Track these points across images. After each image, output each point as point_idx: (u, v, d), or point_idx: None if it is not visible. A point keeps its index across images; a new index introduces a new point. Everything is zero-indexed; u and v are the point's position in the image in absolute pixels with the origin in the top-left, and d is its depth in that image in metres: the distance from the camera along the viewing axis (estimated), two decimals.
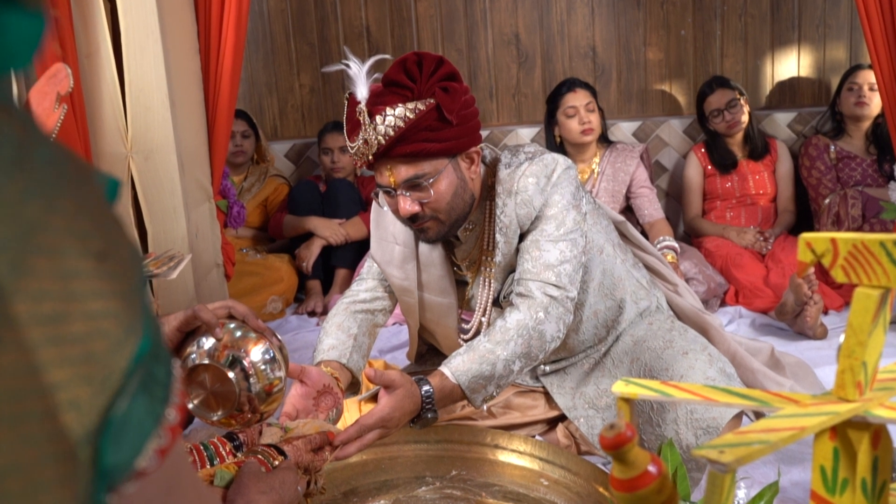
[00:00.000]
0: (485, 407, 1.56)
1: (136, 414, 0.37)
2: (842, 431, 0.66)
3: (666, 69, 3.95)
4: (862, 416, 0.65)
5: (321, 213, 3.48)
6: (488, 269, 1.73)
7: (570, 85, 3.23)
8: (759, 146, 3.45)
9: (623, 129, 3.84)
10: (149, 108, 2.44)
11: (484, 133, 3.88)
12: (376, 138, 1.49)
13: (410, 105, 1.48)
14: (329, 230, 3.38)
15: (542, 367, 1.93)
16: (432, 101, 1.48)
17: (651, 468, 0.62)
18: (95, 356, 0.35)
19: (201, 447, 1.16)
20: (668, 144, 3.86)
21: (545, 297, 1.57)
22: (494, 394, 1.54)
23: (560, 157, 1.66)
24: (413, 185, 1.56)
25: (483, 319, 1.76)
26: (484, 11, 3.91)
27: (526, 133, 3.89)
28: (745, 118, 3.39)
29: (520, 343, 1.53)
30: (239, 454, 1.17)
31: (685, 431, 1.64)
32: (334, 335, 1.69)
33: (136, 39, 2.40)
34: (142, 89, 2.43)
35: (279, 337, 1.24)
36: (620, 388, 0.76)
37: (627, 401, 0.75)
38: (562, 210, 1.62)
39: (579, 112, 3.16)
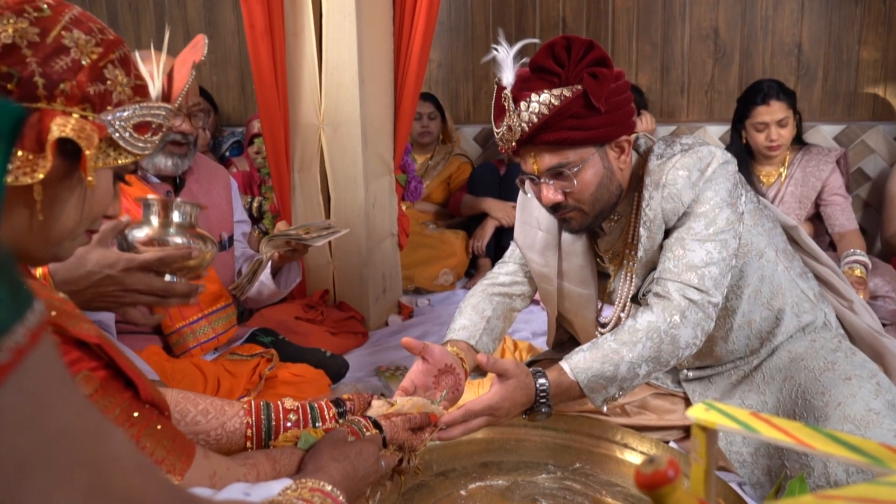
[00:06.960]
0: (605, 408, 1.41)
1: None
2: None
3: (882, 70, 3.44)
4: None
5: (499, 196, 3.42)
6: (631, 264, 1.57)
7: (764, 96, 2.82)
8: None
9: (823, 133, 3.41)
10: (340, 84, 2.48)
11: (670, 128, 3.63)
12: (520, 125, 1.37)
13: (556, 91, 1.34)
14: (502, 212, 3.31)
15: (685, 371, 1.73)
16: (579, 87, 1.34)
17: None
18: None
19: (308, 407, 1.14)
20: (874, 151, 3.37)
21: (684, 299, 1.39)
22: (617, 396, 1.39)
23: (718, 151, 1.45)
24: (556, 173, 1.42)
25: (622, 315, 1.60)
26: (683, 4, 3.62)
27: (715, 131, 3.57)
28: None
29: (648, 346, 1.37)
30: (340, 421, 1.13)
31: (834, 465, 1.40)
32: (468, 315, 1.61)
33: (334, 20, 2.45)
34: (336, 66, 2.48)
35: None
36: (698, 412, 0.61)
37: (705, 429, 0.60)
38: (714, 207, 1.42)
39: (769, 128, 2.81)
